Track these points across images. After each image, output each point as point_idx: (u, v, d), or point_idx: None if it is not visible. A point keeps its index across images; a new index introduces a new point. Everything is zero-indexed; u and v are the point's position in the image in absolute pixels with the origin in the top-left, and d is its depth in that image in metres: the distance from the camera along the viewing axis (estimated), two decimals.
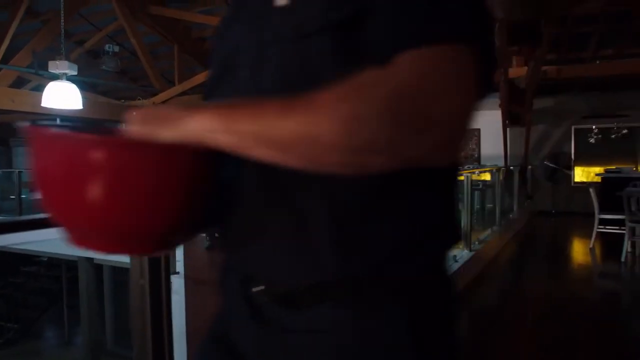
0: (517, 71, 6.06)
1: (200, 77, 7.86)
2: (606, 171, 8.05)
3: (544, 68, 6.65)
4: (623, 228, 5.25)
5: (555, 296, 4.05)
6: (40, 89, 6.74)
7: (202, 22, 8.02)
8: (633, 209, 5.35)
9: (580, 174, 9.58)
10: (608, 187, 6.59)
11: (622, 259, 5.10)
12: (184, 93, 8.06)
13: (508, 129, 9.19)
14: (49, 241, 7.00)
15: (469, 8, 0.47)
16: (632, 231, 5.27)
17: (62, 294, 9.58)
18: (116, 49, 9.25)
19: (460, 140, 0.48)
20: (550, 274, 4.97)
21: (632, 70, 7.14)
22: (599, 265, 5.37)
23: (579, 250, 6.01)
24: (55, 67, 4.85)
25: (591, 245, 5.76)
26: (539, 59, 5.45)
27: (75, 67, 5.03)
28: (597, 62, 8.24)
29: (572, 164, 9.60)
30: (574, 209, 8.88)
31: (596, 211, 5.71)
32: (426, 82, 0.43)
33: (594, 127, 9.30)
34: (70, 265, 9.28)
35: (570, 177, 9.55)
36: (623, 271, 4.94)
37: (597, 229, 5.71)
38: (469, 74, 0.45)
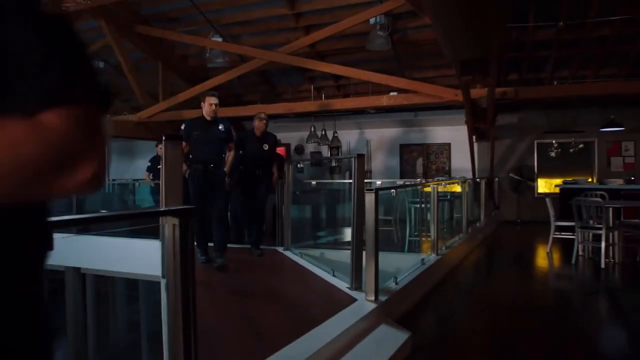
0: (479, 92, 6.64)
1: (185, 95, 8.21)
2: (564, 182, 8.70)
3: (504, 89, 7.27)
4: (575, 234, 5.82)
5: (512, 294, 4.54)
6: None
7: (185, 42, 8.39)
8: (585, 216, 5.93)
9: (543, 186, 10.26)
10: (566, 197, 7.19)
11: (573, 262, 5.66)
12: (168, 109, 8.38)
13: (475, 143, 9.86)
14: None
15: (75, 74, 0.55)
16: (583, 236, 5.84)
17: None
18: (101, 64, 9.54)
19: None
20: (510, 276, 5.49)
21: (584, 92, 7.85)
22: (554, 267, 5.91)
23: (538, 255, 6.55)
24: None
25: (548, 250, 6.32)
26: (491, 84, 6.04)
27: None
28: (555, 82, 8.97)
29: (536, 176, 10.28)
30: (538, 218, 9.49)
31: (552, 219, 6.29)
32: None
33: (554, 141, 10.00)
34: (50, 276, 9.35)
35: (533, 188, 10.21)
36: (573, 272, 5.48)
37: (553, 235, 6.28)
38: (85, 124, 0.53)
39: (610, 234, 5.66)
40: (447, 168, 10.75)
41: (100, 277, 7.84)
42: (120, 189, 9.68)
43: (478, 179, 8.58)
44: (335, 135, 10.49)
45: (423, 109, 9.64)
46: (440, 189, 6.80)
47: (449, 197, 7.00)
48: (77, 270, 7.07)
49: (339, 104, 7.50)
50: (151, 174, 7.14)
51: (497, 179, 10.21)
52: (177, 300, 1.59)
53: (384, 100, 7.03)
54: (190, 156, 4.54)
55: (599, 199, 5.62)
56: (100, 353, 8.41)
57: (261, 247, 5.32)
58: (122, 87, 9.05)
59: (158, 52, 8.87)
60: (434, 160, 10.85)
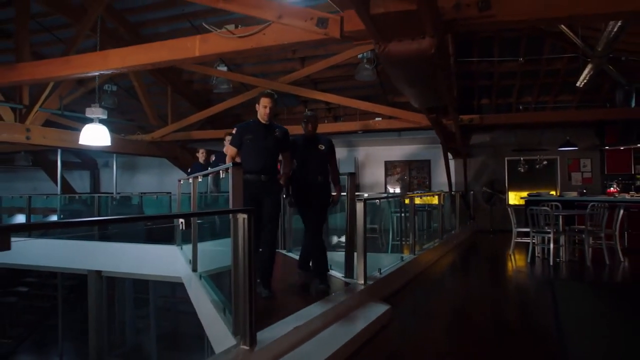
0: (449, 120, 7.75)
1: (193, 118, 9.20)
2: (528, 195, 9.84)
3: (471, 116, 8.45)
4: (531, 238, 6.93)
5: (472, 284, 5.59)
6: (62, 127, 7.92)
7: (194, 70, 9.40)
8: (542, 223, 7.02)
9: (513, 198, 11.42)
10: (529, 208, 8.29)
11: (528, 260, 6.75)
12: (178, 130, 9.36)
13: (452, 160, 11.03)
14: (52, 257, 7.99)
15: None
16: (538, 239, 6.94)
17: (55, 310, 10.35)
18: (114, 88, 10.50)
19: None
20: (474, 271, 6.54)
21: (540, 119, 9.09)
22: (512, 265, 6.97)
23: (501, 256, 7.62)
24: (91, 112, 6.11)
25: (510, 252, 7.41)
26: (454, 117, 7.14)
27: (106, 112, 6.30)
28: (520, 107, 10.21)
29: (506, 189, 11.45)
30: (509, 227, 10.45)
31: (514, 226, 7.40)
32: None
33: (522, 158, 11.21)
34: (67, 280, 10.16)
35: (504, 200, 11.36)
36: (527, 269, 6.54)
37: (515, 240, 7.39)
38: None
39: (561, 237, 6.79)
40: (427, 182, 11.87)
41: (117, 279, 8.68)
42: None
43: (453, 192, 9.67)
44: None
45: (406, 129, 10.76)
46: (420, 201, 7.89)
47: (426, 208, 8.07)
48: (98, 273, 7.92)
49: (330, 127, 8.57)
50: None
51: (472, 192, 11.36)
52: (246, 273, 2.56)
53: (370, 125, 8.13)
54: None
55: (547, 208, 6.71)
56: (116, 348, 9.20)
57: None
58: (136, 108, 10.01)
59: (167, 77, 9.88)
60: (416, 175, 11.97)
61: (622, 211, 6.79)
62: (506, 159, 11.47)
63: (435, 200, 8.32)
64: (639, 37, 6.26)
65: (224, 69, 8.94)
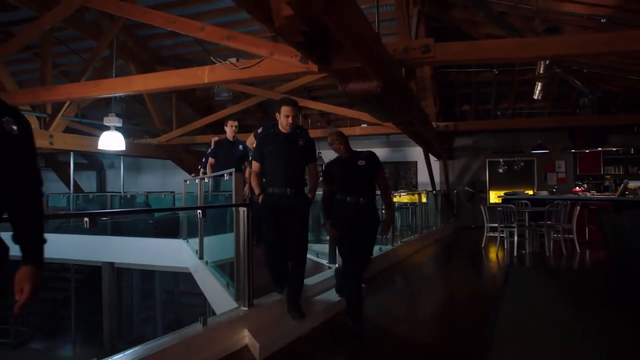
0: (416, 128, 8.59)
1: (196, 124, 10.03)
2: (505, 194, 10.69)
3: (446, 123, 9.32)
4: (501, 233, 7.79)
5: (442, 270, 6.43)
6: (78, 132, 8.74)
7: None
8: (513, 219, 7.86)
9: (493, 197, 12.27)
10: None
11: (496, 252, 7.60)
12: (182, 135, 10.19)
13: (438, 162, 11.87)
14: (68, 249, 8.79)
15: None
16: (508, 234, 7.79)
17: (69, 300, 11.15)
18: (122, 94, 11.30)
19: None
20: (447, 260, 7.40)
21: (516, 126, 9.95)
22: (482, 256, 7.80)
23: (474, 249, 8.46)
24: (108, 121, 6.93)
25: (483, 245, 8.26)
26: (428, 126, 7.97)
27: (121, 120, 7.12)
28: (498, 113, 11.05)
29: (487, 188, 12.30)
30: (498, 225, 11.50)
31: (486, 222, 8.24)
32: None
33: (501, 160, 12.06)
34: (78, 274, 10.97)
35: (485, 199, 12.21)
36: (493, 259, 7.38)
37: (487, 234, 8.23)
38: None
39: (526, 231, 7.66)
40: (414, 182, 12.72)
41: (126, 273, 9.50)
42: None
43: (434, 192, 10.52)
44: (320, 154, 12.39)
45: (391, 134, 11.61)
46: (405, 199, 8.73)
47: (408, 205, 8.92)
48: (111, 264, 8.73)
49: (320, 132, 9.39)
50: (202, 170, 6.95)
51: (455, 191, 12.21)
52: (245, 250, 3.40)
53: (357, 131, 8.98)
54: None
55: (512, 206, 7.56)
56: (125, 336, 10.01)
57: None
58: (141, 113, 10.83)
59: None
60: (403, 175, 12.82)
61: (578, 208, 7.63)
62: (487, 160, 12.31)
63: (416, 199, 9.16)
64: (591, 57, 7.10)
65: None
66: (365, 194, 3.73)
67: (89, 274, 10.58)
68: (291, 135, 3.56)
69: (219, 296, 4.29)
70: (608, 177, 11.11)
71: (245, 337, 3.17)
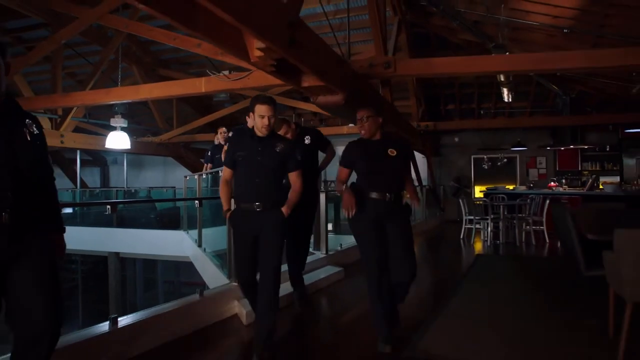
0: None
1: (195, 123, 10.67)
2: (487, 189, 11.34)
3: (427, 123, 9.97)
4: (477, 224, 8.45)
5: (423, 258, 7.09)
6: (86, 131, 9.38)
7: None
8: (490, 212, 8.51)
9: (478, 192, 12.92)
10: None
11: (472, 242, 8.27)
12: (183, 133, 10.83)
13: (425, 159, 12.48)
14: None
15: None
16: (485, 225, 8.45)
17: (76, 289, 11.83)
18: None
19: None
20: (427, 249, 8.06)
21: (496, 125, 10.58)
22: (459, 245, 8.45)
23: (453, 240, 9.11)
24: (115, 122, 7.56)
25: (462, 236, 8.91)
26: (408, 128, 8.64)
27: (126, 121, 7.75)
28: (481, 112, 11.68)
29: (472, 184, 12.94)
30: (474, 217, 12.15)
31: (464, 214, 8.89)
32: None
33: (485, 157, 12.69)
34: (84, 265, 11.64)
35: (470, 194, 12.85)
36: (468, 248, 8.04)
37: (465, 226, 8.89)
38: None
39: (500, 223, 8.31)
40: None
41: (133, 260, 10.15)
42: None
43: (420, 187, 11.14)
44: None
45: None
46: None
47: None
48: (117, 254, 9.40)
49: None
50: (207, 165, 6.93)
51: (442, 186, 12.85)
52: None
53: (345, 130, 9.62)
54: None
55: (486, 199, 8.21)
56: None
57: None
58: (142, 112, 11.46)
59: None
60: None
61: (548, 201, 8.28)
62: (472, 156, 12.95)
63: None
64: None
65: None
66: (393, 189, 3.02)
67: (95, 265, 11.24)
68: (267, 139, 2.92)
69: (215, 277, 4.95)
70: (585, 173, 11.74)
71: (235, 306, 3.82)
